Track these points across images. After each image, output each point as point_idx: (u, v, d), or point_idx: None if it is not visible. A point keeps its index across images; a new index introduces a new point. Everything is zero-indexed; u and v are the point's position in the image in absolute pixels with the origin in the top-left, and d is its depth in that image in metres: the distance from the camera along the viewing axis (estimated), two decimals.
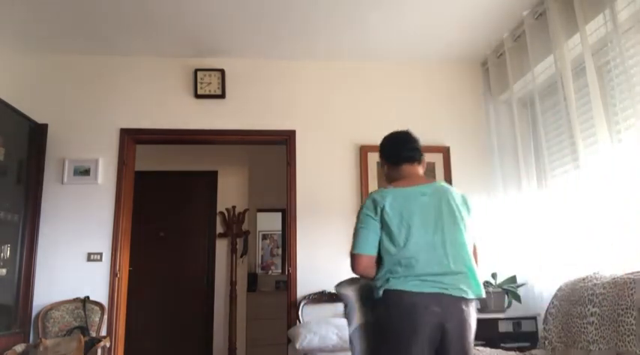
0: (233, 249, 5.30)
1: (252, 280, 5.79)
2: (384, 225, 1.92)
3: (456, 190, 2.09)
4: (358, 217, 2.01)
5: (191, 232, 5.41)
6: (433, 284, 1.83)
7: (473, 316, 1.90)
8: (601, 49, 2.89)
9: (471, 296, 1.88)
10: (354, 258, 1.95)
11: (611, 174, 2.68)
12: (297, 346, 3.20)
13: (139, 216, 4.50)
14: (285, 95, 4.06)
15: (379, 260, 1.95)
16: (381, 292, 1.88)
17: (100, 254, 3.66)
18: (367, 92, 4.12)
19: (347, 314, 2.02)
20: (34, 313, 3.50)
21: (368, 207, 1.97)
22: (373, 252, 1.93)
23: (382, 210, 1.92)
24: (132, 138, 3.93)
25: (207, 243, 5.40)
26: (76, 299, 3.53)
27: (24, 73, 3.90)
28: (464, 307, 1.86)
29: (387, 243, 1.91)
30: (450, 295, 1.83)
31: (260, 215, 6.10)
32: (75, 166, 3.77)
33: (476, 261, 1.99)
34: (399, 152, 2.13)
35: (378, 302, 1.90)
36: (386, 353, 1.85)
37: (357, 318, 1.99)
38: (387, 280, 1.87)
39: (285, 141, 4.01)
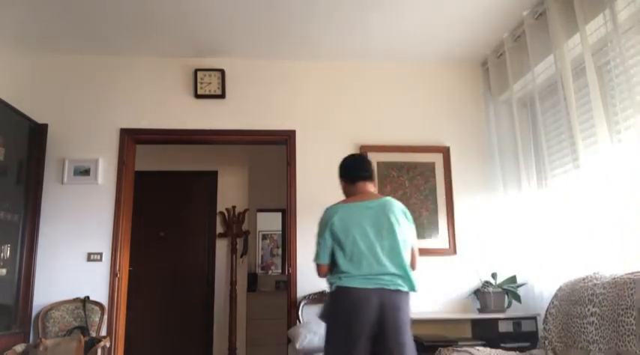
0: (233, 249, 5.30)
1: (252, 280, 5.79)
2: (334, 237, 2.35)
3: (398, 204, 2.45)
4: (318, 229, 2.44)
5: (191, 232, 5.41)
6: (375, 282, 2.27)
7: (408, 305, 2.34)
8: (601, 49, 2.89)
9: (406, 289, 2.32)
10: (317, 266, 2.43)
11: (611, 174, 2.68)
12: (297, 346, 3.20)
13: (139, 216, 4.50)
14: (285, 95, 4.06)
15: (333, 262, 2.38)
16: (334, 288, 2.33)
17: (100, 254, 3.66)
18: (367, 92, 4.12)
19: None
20: (34, 313, 3.50)
21: (321, 223, 2.43)
22: (327, 261, 2.40)
23: (332, 224, 2.36)
24: (132, 138, 3.93)
25: (207, 243, 5.40)
26: (76, 299, 3.53)
27: (24, 73, 3.91)
28: (400, 297, 2.30)
29: (338, 250, 2.35)
30: (389, 289, 2.28)
31: (260, 215, 6.10)
32: (75, 166, 3.77)
33: (414, 260, 2.46)
34: (355, 172, 2.53)
35: (331, 296, 2.35)
36: (336, 333, 2.28)
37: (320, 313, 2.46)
38: (340, 278, 2.31)
39: (285, 141, 4.01)
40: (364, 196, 2.47)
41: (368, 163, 2.60)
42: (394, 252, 2.32)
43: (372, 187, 2.54)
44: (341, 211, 2.39)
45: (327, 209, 2.44)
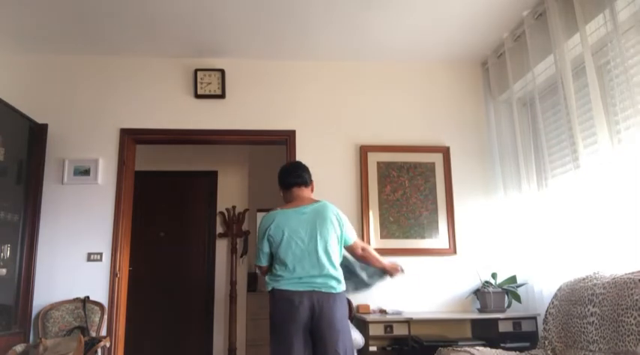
0: (233, 249, 5.30)
1: (252, 280, 5.79)
2: (271, 242, 2.53)
3: (331, 207, 2.60)
4: (257, 235, 2.65)
5: (191, 232, 5.41)
6: (308, 285, 2.41)
7: (340, 305, 2.44)
8: (601, 49, 2.89)
9: (338, 291, 2.45)
10: (257, 267, 2.67)
11: (611, 174, 2.68)
12: None
13: (139, 216, 4.51)
14: (285, 95, 4.06)
15: (271, 264, 2.58)
16: (270, 288, 2.50)
17: (100, 254, 3.66)
18: (367, 92, 4.12)
19: None
20: (34, 313, 3.50)
21: (259, 230, 2.62)
22: (266, 264, 2.60)
23: (268, 230, 2.53)
24: (132, 138, 3.93)
25: (207, 243, 5.39)
26: (76, 299, 3.53)
27: (24, 73, 3.91)
28: (331, 299, 2.41)
29: (275, 254, 2.53)
30: (320, 291, 2.41)
31: (260, 215, 6.09)
32: (75, 166, 3.77)
33: (365, 252, 2.74)
34: (287, 179, 2.69)
35: (269, 298, 2.51)
36: (274, 333, 2.43)
37: None
38: (276, 281, 2.47)
39: (285, 141, 4.01)
40: (299, 202, 2.62)
41: (302, 169, 2.72)
42: (327, 254, 2.47)
43: (307, 192, 2.70)
44: (277, 217, 2.55)
45: (265, 216, 2.62)
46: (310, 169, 3.91)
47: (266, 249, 2.56)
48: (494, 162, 3.99)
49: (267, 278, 2.56)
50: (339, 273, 2.50)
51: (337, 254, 2.54)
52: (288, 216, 2.55)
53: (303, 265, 2.45)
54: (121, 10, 3.36)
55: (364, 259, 2.74)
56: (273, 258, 2.58)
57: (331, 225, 2.52)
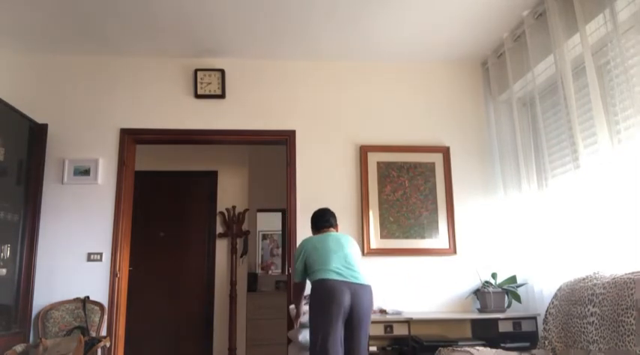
0: (233, 249, 5.30)
1: (252, 280, 5.79)
2: (308, 257, 3.04)
3: (349, 237, 3.15)
4: (295, 255, 3.17)
5: (191, 232, 5.41)
6: (341, 276, 2.89)
7: (369, 294, 2.94)
8: (601, 49, 2.89)
9: (364, 283, 2.93)
10: (297, 283, 3.17)
11: (611, 174, 2.68)
12: (300, 338, 3.21)
13: (139, 216, 4.51)
14: (285, 95, 4.06)
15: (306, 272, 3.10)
16: (314, 280, 2.95)
17: (100, 254, 3.66)
18: (367, 92, 4.12)
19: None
20: (34, 313, 3.50)
21: (297, 251, 3.15)
22: (302, 279, 3.13)
23: (305, 251, 3.08)
24: (132, 138, 3.93)
25: (207, 243, 5.40)
26: (76, 299, 3.54)
27: (24, 73, 3.91)
28: (362, 289, 2.91)
29: (311, 262, 3.02)
30: (352, 282, 2.88)
31: (260, 215, 6.11)
32: (75, 166, 3.77)
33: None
34: (317, 224, 3.24)
35: (311, 288, 2.95)
36: (318, 314, 2.85)
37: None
38: (314, 274, 2.94)
39: (285, 141, 4.01)
40: (327, 231, 3.20)
41: (330, 215, 3.25)
42: (350, 258, 2.98)
43: (334, 230, 3.21)
44: (311, 241, 3.11)
45: (303, 241, 3.15)
46: (310, 169, 3.97)
47: (303, 266, 3.10)
48: (495, 162, 3.99)
49: (310, 280, 3.05)
50: (359, 272, 2.98)
51: (356, 258, 3.04)
52: (318, 238, 3.14)
53: (337, 262, 2.96)
54: (121, 10, 3.36)
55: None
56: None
57: (347, 243, 3.08)
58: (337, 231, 3.25)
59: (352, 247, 3.07)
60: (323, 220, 3.24)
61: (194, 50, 3.95)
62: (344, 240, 3.10)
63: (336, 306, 2.79)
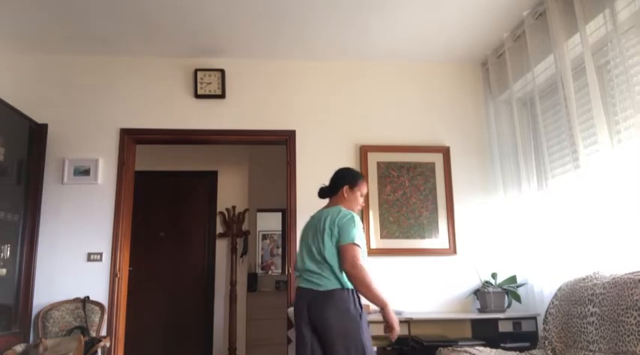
0: (233, 249, 5.30)
1: (252, 280, 5.79)
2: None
3: (335, 211, 2.50)
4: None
5: (191, 232, 5.41)
6: (305, 281, 2.44)
7: (329, 304, 2.35)
8: (601, 49, 2.89)
9: (325, 288, 2.38)
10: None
11: (611, 174, 2.68)
12: None
13: (139, 216, 4.51)
14: (285, 95, 4.06)
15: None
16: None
17: (100, 254, 3.66)
18: (367, 92, 4.12)
19: None
20: (34, 313, 3.50)
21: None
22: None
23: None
24: (132, 138, 3.93)
25: (207, 243, 5.40)
26: (76, 299, 3.53)
27: (24, 73, 3.91)
28: (321, 298, 2.36)
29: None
30: (308, 288, 2.41)
31: (260, 215, 6.10)
32: (75, 166, 3.77)
33: (343, 257, 2.39)
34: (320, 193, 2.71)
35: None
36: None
37: None
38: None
39: (285, 141, 4.01)
40: (323, 208, 2.65)
41: (337, 176, 2.68)
42: (319, 254, 2.43)
43: (334, 200, 2.64)
44: (305, 225, 2.68)
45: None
46: (310, 169, 3.96)
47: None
48: (494, 162, 3.99)
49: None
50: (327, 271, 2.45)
51: (328, 252, 2.46)
52: (307, 222, 2.68)
53: (304, 262, 2.53)
54: (121, 10, 3.36)
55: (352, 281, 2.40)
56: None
57: (328, 228, 2.46)
58: (341, 199, 2.61)
59: (326, 232, 2.42)
60: (323, 189, 2.69)
61: (194, 50, 3.95)
62: (323, 220, 2.46)
63: (304, 324, 2.37)
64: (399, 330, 2.42)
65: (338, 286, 2.37)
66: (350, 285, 2.39)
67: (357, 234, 2.41)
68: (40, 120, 3.74)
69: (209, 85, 3.97)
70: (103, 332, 3.51)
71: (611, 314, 2.27)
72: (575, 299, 2.57)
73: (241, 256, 5.39)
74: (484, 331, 3.44)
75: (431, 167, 3.99)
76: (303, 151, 3.96)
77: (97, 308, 3.52)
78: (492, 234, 3.90)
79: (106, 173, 3.80)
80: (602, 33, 2.77)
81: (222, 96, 3.97)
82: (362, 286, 2.34)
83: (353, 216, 2.47)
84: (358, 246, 2.38)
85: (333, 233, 2.42)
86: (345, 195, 2.61)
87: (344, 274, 2.39)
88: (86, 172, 3.76)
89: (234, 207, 5.43)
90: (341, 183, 2.63)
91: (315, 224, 2.52)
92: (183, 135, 3.98)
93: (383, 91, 4.13)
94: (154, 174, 5.23)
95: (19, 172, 3.49)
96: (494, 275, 3.68)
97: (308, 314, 2.36)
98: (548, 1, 3.12)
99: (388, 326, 2.40)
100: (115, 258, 3.67)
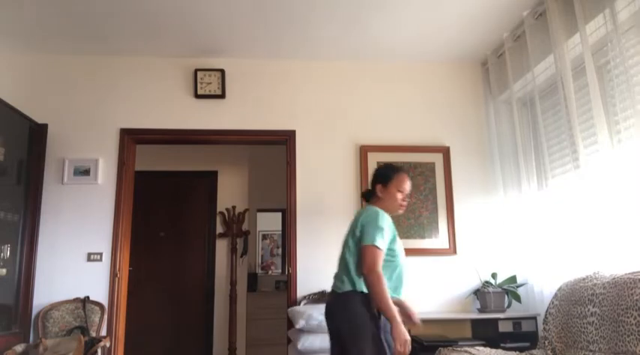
0: (233, 249, 5.30)
1: (252, 280, 5.79)
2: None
3: (364, 210, 2.40)
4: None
5: (191, 232, 5.41)
6: (332, 284, 2.40)
7: (339, 306, 2.30)
8: (601, 49, 2.89)
9: (341, 290, 2.31)
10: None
11: (611, 174, 2.68)
12: (299, 346, 3.20)
13: (139, 216, 4.51)
14: (285, 95, 4.06)
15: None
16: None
17: (100, 254, 3.66)
18: (367, 92, 4.12)
19: None
20: (34, 313, 3.50)
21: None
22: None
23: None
24: (132, 138, 3.93)
25: (207, 243, 5.40)
26: (76, 299, 3.53)
27: (24, 73, 3.91)
28: (335, 300, 2.33)
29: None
30: (331, 291, 2.39)
31: (260, 215, 6.11)
32: (75, 166, 3.77)
33: (362, 261, 2.27)
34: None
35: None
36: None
37: None
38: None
39: (285, 141, 4.01)
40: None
41: (373, 177, 2.56)
42: (342, 256, 2.39)
43: (372, 200, 2.51)
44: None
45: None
46: (310, 169, 3.95)
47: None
48: (494, 162, 3.99)
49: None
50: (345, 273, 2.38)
51: (350, 256, 2.40)
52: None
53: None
54: (121, 9, 3.36)
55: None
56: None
57: (353, 230, 2.38)
58: (377, 199, 2.48)
59: (351, 233, 2.39)
60: (363, 192, 2.63)
61: (194, 50, 3.95)
62: (354, 221, 2.42)
63: (328, 326, 2.35)
64: (403, 350, 2.24)
65: (350, 288, 2.28)
66: (364, 288, 2.26)
67: (380, 234, 2.26)
68: (40, 120, 3.74)
69: (209, 84, 3.97)
70: (103, 332, 3.51)
71: (611, 314, 2.27)
72: (575, 299, 2.57)
73: (241, 256, 5.39)
74: (484, 331, 3.44)
75: (431, 167, 3.99)
76: (303, 151, 3.96)
77: (97, 308, 3.52)
78: (492, 234, 3.90)
79: (106, 173, 3.80)
80: (602, 33, 2.77)
81: (222, 96, 3.97)
82: (374, 293, 2.20)
83: (378, 215, 2.33)
84: (379, 248, 2.24)
85: (355, 233, 2.35)
86: (380, 194, 2.46)
87: (360, 276, 2.27)
88: (86, 172, 3.76)
89: (234, 207, 5.43)
90: (374, 182, 2.52)
91: (350, 225, 2.44)
92: (183, 135, 3.98)
93: (383, 91, 4.13)
94: (154, 174, 5.23)
95: (19, 172, 3.49)
96: (494, 275, 3.68)
97: (326, 317, 2.34)
98: (548, 1, 3.12)
99: (393, 339, 2.25)
100: (115, 258, 3.67)
